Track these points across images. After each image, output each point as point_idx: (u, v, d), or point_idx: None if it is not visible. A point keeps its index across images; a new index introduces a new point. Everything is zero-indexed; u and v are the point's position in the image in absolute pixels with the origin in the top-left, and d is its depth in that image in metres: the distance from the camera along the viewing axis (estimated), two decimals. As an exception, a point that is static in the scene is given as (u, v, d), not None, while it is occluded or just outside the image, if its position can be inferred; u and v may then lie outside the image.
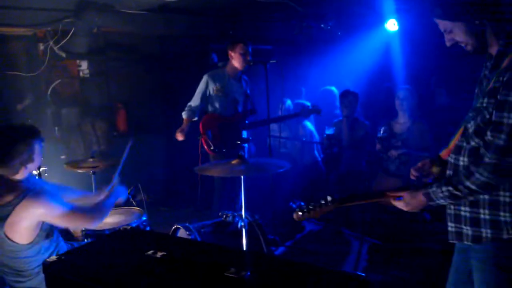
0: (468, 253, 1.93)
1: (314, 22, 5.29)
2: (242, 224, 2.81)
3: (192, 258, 1.89)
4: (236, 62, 4.22)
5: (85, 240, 2.97)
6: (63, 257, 1.89)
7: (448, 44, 1.85)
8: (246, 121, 4.39)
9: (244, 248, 2.81)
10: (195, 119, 4.31)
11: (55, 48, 4.83)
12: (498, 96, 1.67)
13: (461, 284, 2.04)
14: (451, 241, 1.93)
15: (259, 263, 1.88)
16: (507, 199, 1.75)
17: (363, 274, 1.61)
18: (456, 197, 1.80)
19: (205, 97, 4.29)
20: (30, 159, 2.34)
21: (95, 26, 4.88)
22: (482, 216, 1.80)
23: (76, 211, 2.38)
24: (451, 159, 1.89)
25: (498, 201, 1.76)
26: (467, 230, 1.85)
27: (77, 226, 2.44)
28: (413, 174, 2.10)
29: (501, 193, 1.76)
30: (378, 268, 3.58)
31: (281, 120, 4.73)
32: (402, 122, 4.32)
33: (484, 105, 1.74)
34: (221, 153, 4.16)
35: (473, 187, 1.72)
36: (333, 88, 5.67)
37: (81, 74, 5.22)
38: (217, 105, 4.27)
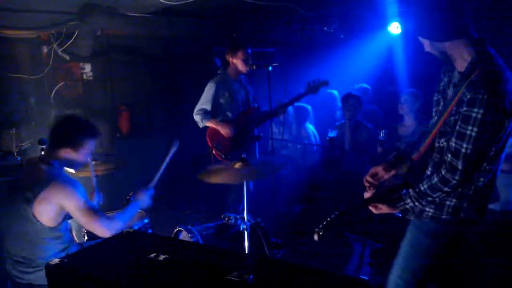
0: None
1: (317, 25, 5.28)
2: (244, 226, 2.81)
3: (195, 261, 1.89)
4: (239, 67, 4.21)
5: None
6: (66, 260, 1.90)
7: (424, 51, 2.08)
8: (251, 118, 4.33)
9: (247, 251, 2.81)
10: (219, 118, 4.28)
11: (59, 51, 4.85)
12: (461, 110, 1.88)
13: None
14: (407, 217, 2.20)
15: (262, 266, 1.88)
16: (459, 189, 2.01)
17: (366, 278, 1.61)
18: (434, 202, 2.04)
19: (214, 103, 4.23)
20: (75, 146, 2.49)
21: (99, 28, 4.89)
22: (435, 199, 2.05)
23: (95, 212, 2.43)
24: (436, 159, 2.08)
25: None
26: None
27: (91, 227, 2.43)
28: (368, 180, 2.25)
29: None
30: (381, 271, 3.56)
31: (288, 105, 4.57)
32: (408, 125, 4.33)
33: (453, 112, 1.96)
34: (238, 157, 4.15)
35: (449, 190, 1.95)
36: (334, 91, 5.67)
37: (84, 76, 5.23)
38: (228, 113, 4.27)
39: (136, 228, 3.06)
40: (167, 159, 3.12)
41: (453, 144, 1.91)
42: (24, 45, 4.94)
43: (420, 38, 2.03)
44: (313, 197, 4.96)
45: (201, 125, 4.24)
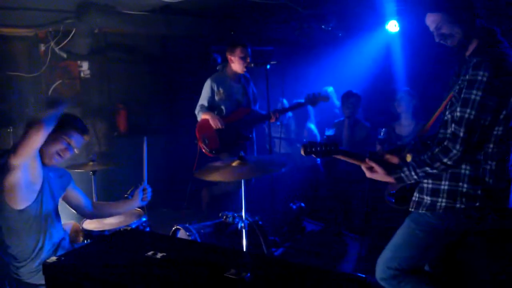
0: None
1: (315, 23, 5.28)
2: (242, 225, 2.81)
3: (192, 259, 1.89)
4: (236, 65, 4.20)
5: (86, 241, 2.97)
6: (63, 258, 1.89)
7: (437, 39, 2.05)
8: (244, 118, 4.32)
9: (244, 249, 2.81)
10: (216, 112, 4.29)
11: (56, 49, 4.84)
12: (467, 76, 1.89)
13: None
14: (410, 209, 2.17)
15: (259, 264, 1.88)
16: (467, 172, 1.97)
17: (364, 275, 1.61)
18: (430, 175, 2.00)
19: (211, 101, 4.27)
20: (67, 137, 2.53)
21: (96, 27, 4.88)
22: (442, 187, 2.02)
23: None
24: (440, 135, 2.06)
25: (459, 174, 1.99)
26: (426, 199, 2.07)
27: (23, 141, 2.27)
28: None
29: (463, 166, 1.98)
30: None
31: (284, 112, 4.59)
32: (406, 124, 4.31)
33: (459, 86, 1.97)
34: (223, 153, 4.17)
35: (450, 163, 1.92)
36: (331, 88, 5.67)
37: (82, 74, 5.22)
38: (222, 108, 4.27)
39: (133, 226, 3.06)
40: (144, 156, 3.13)
41: (458, 114, 1.89)
42: (21, 43, 4.92)
43: (441, 19, 1.98)
44: (311, 195, 4.96)
45: (198, 118, 4.28)
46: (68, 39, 4.77)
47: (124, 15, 4.63)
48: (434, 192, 2.04)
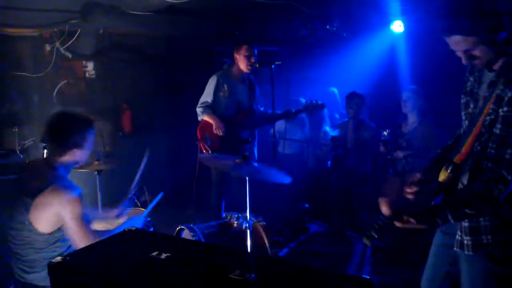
0: (453, 255, 1.99)
1: (319, 24, 5.27)
2: (247, 225, 2.81)
3: (197, 259, 1.89)
4: (241, 64, 4.20)
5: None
6: (68, 258, 1.90)
7: (466, 62, 1.83)
8: (245, 121, 4.32)
9: (249, 250, 2.81)
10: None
11: (61, 49, 4.86)
12: (501, 111, 1.71)
13: (438, 278, 2.12)
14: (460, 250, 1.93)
15: (264, 265, 1.87)
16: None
17: (368, 277, 1.61)
18: (471, 216, 1.81)
19: (216, 96, 4.26)
20: (81, 144, 2.42)
21: (101, 27, 4.90)
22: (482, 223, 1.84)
23: (88, 228, 2.32)
24: (469, 166, 1.85)
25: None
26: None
27: (79, 243, 2.28)
28: (409, 192, 1.99)
29: None
30: (382, 270, 3.57)
31: (280, 118, 4.59)
32: (410, 122, 4.32)
33: (490, 111, 1.77)
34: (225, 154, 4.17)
35: (492, 201, 1.72)
36: (334, 89, 5.67)
37: (86, 74, 5.24)
38: (223, 106, 4.26)
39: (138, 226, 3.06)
40: (141, 168, 3.08)
41: (493, 151, 1.74)
42: (26, 44, 4.95)
43: (476, 44, 1.76)
44: (315, 195, 4.95)
45: (200, 118, 4.26)
46: (73, 39, 4.80)
47: (128, 16, 4.64)
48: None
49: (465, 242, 1.89)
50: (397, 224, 1.86)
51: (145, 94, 5.57)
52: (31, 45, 4.97)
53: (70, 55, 4.95)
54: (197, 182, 4.41)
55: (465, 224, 1.87)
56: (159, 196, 3.15)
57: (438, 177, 1.93)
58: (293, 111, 4.32)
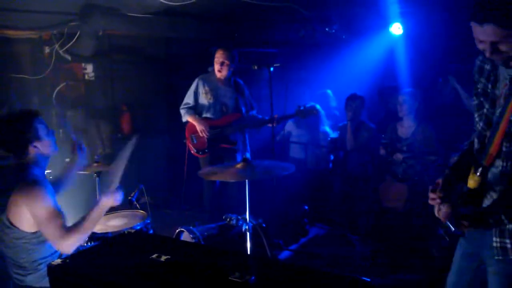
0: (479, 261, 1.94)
1: (318, 26, 5.28)
2: (246, 227, 2.81)
3: (196, 262, 1.89)
4: (215, 69, 4.24)
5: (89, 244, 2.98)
6: (67, 260, 1.90)
7: (489, 55, 1.75)
8: (232, 123, 4.33)
9: (248, 252, 2.80)
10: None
11: (61, 51, 4.86)
12: None
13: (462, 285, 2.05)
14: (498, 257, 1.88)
15: (264, 267, 1.87)
16: None
17: (368, 279, 1.61)
18: None
19: (196, 97, 4.33)
20: (35, 137, 2.38)
21: (101, 29, 4.90)
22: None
23: (62, 221, 2.26)
24: (504, 168, 1.80)
25: None
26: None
27: (50, 236, 2.25)
28: (433, 197, 1.91)
29: None
30: (383, 272, 3.57)
31: (266, 123, 4.58)
32: (407, 126, 4.28)
33: None
34: (208, 155, 4.21)
35: None
36: (328, 91, 5.68)
37: (86, 77, 5.24)
38: (205, 108, 4.30)
39: (137, 228, 3.06)
40: (127, 155, 2.89)
41: None
42: (26, 46, 4.95)
43: (508, 36, 1.68)
44: (315, 197, 4.95)
45: (183, 119, 4.33)
46: (73, 41, 4.79)
47: (128, 18, 4.64)
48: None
49: (508, 246, 1.82)
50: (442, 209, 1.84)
51: (144, 96, 5.58)
52: (31, 47, 4.96)
53: (69, 57, 4.95)
54: (187, 181, 4.46)
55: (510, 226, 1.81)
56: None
57: (466, 182, 1.87)
58: (277, 116, 4.25)
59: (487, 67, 1.91)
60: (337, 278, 1.69)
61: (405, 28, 5.10)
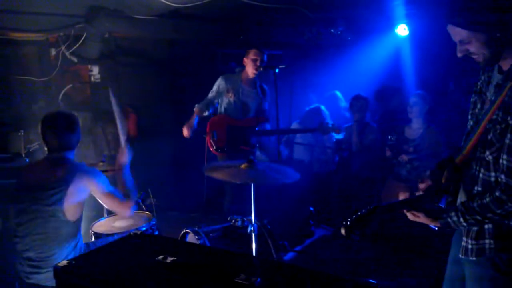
0: (462, 265, 1.94)
1: (324, 27, 5.27)
2: (252, 229, 2.80)
3: (202, 263, 1.89)
4: (248, 68, 4.25)
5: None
6: (73, 262, 1.90)
7: (459, 55, 1.79)
8: (257, 128, 4.37)
9: (254, 254, 2.80)
10: (206, 114, 4.35)
11: (67, 53, 4.88)
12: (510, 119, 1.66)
13: None
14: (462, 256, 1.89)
15: (270, 269, 1.87)
16: None
17: (375, 281, 1.60)
18: (482, 223, 1.78)
19: (217, 94, 4.35)
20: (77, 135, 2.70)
21: (107, 31, 4.92)
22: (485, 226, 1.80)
23: (115, 194, 2.63)
24: (477, 173, 1.83)
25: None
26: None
27: (114, 208, 2.66)
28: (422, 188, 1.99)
29: None
30: (389, 274, 3.55)
31: (293, 133, 4.66)
32: (415, 128, 4.28)
33: (495, 117, 1.72)
34: (226, 154, 4.21)
35: (504, 213, 1.70)
36: (337, 93, 5.67)
37: (92, 79, 5.26)
38: (225, 106, 4.31)
39: (143, 229, 3.07)
40: (116, 107, 3.29)
41: (505, 163, 1.67)
42: (32, 48, 4.98)
43: (470, 38, 1.71)
44: (321, 199, 4.94)
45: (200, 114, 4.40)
46: (79, 43, 4.81)
47: (133, 20, 4.66)
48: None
49: (469, 246, 1.85)
50: (408, 215, 1.90)
51: (150, 97, 5.59)
52: (37, 49, 4.99)
53: (75, 59, 4.97)
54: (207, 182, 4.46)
55: (474, 228, 1.83)
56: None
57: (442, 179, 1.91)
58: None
59: (488, 67, 1.90)
60: (344, 281, 1.69)
61: (410, 29, 5.09)
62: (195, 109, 4.37)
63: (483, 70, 1.93)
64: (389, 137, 4.31)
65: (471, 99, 1.98)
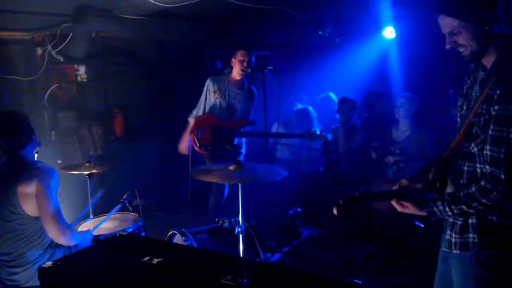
0: (449, 260, 1.97)
1: (312, 29, 5.30)
2: (239, 230, 2.80)
3: (189, 264, 1.89)
4: (235, 68, 4.24)
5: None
6: (58, 263, 1.88)
7: (448, 46, 1.84)
8: (242, 129, 4.35)
9: (241, 254, 2.80)
10: None
11: (53, 53, 4.83)
12: (492, 110, 1.70)
13: None
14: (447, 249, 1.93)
15: (256, 270, 1.87)
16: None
17: (360, 282, 1.61)
18: (467, 214, 1.81)
19: (205, 100, 4.34)
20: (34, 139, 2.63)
21: (93, 30, 4.88)
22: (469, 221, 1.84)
23: (58, 212, 2.47)
24: (463, 167, 1.87)
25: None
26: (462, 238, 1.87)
27: (50, 226, 2.46)
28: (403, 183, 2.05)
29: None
30: (375, 274, 3.57)
31: (279, 137, 4.67)
32: (402, 129, 4.31)
33: (479, 111, 1.77)
34: (209, 153, 4.21)
35: (489, 203, 1.73)
36: (331, 94, 5.69)
37: (78, 78, 5.21)
38: (211, 106, 4.30)
39: (129, 230, 3.05)
40: (92, 201, 3.27)
41: (489, 153, 1.71)
42: (18, 47, 4.91)
43: (461, 28, 1.75)
44: (308, 200, 4.96)
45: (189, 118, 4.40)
46: (65, 42, 4.76)
47: (121, 19, 4.62)
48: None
49: (453, 240, 1.89)
50: (396, 206, 1.96)
51: (137, 98, 5.56)
52: (23, 48, 4.93)
53: (62, 59, 4.92)
54: (191, 178, 4.45)
55: (459, 222, 1.87)
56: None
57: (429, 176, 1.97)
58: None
59: (472, 67, 1.95)
60: (329, 281, 1.70)
61: (397, 32, 5.14)
62: (190, 121, 4.34)
63: (469, 75, 1.98)
64: (375, 139, 4.35)
65: (458, 103, 2.02)
